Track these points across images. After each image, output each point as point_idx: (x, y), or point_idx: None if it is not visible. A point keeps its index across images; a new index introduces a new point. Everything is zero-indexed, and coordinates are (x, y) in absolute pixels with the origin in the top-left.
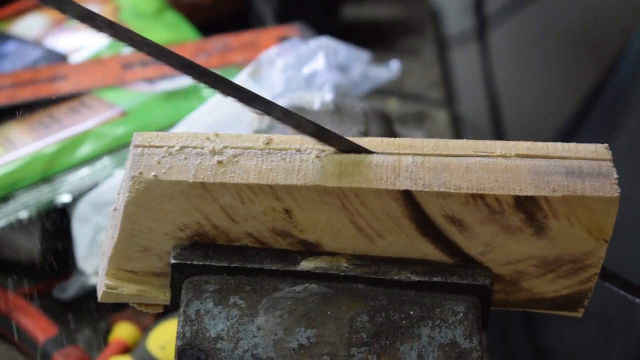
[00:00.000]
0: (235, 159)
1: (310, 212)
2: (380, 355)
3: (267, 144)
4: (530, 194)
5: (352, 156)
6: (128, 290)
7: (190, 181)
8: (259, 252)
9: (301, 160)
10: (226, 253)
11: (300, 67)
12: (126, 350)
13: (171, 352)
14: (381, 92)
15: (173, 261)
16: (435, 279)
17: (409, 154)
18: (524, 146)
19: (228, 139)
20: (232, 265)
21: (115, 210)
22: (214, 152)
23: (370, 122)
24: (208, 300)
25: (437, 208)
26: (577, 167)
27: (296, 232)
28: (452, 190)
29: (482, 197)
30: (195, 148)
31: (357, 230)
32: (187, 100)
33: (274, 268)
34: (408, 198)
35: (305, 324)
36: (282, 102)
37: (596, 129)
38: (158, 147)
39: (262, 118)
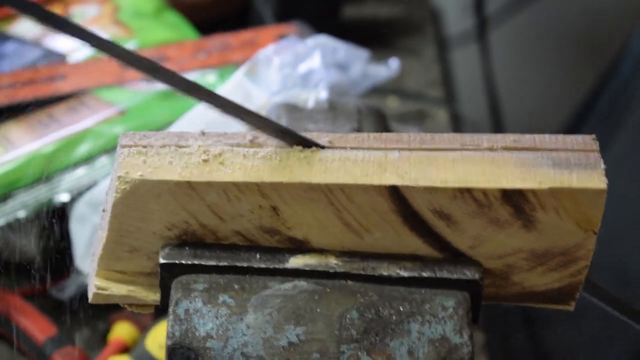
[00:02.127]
0: (221, 157)
1: (297, 208)
2: (370, 351)
3: (252, 141)
4: (517, 186)
5: (339, 152)
6: (118, 290)
7: (176, 180)
8: (248, 250)
9: (287, 157)
10: (214, 252)
11: (297, 65)
12: (125, 349)
13: None
14: (381, 90)
15: (162, 260)
16: (425, 274)
17: (395, 149)
18: (510, 138)
19: (214, 137)
20: (221, 264)
21: (103, 210)
22: (199, 151)
23: (364, 119)
24: (197, 299)
25: (424, 202)
26: (564, 159)
27: (284, 229)
28: (439, 184)
29: (468, 190)
30: (181, 147)
31: (344, 225)
32: (186, 99)
33: (262, 266)
34: (394, 193)
35: (294, 322)
36: (277, 100)
37: (596, 128)
38: (144, 147)
39: None
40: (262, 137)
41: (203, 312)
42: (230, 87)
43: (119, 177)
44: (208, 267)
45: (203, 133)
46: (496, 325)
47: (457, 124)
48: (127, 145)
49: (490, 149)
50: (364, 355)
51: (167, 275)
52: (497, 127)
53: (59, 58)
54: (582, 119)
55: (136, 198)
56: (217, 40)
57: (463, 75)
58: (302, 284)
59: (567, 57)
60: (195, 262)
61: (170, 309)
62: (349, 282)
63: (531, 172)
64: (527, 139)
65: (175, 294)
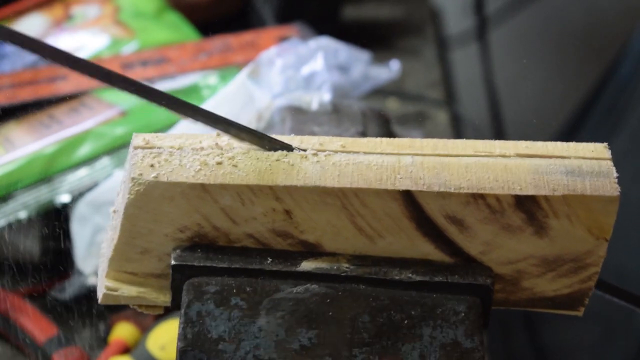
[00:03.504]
0: (235, 160)
1: (310, 212)
2: (381, 356)
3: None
4: (530, 193)
5: (352, 156)
6: (128, 291)
7: (190, 182)
8: (259, 252)
9: (300, 160)
10: (226, 254)
11: (299, 67)
12: (126, 350)
13: (171, 352)
14: (381, 92)
15: (173, 262)
16: (436, 279)
17: (408, 154)
18: (523, 145)
19: (228, 139)
20: (233, 266)
21: (114, 211)
22: (213, 153)
23: (368, 122)
24: (209, 302)
25: (437, 208)
26: (576, 166)
27: (296, 232)
28: (452, 190)
29: (482, 196)
30: (194, 149)
31: (357, 230)
32: (187, 100)
33: (274, 269)
34: (408, 198)
35: (306, 325)
36: (280, 102)
37: (596, 129)
38: (158, 148)
39: (260, 118)
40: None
41: (215, 315)
42: (232, 89)
43: (133, 178)
44: (220, 269)
45: (218, 135)
46: (497, 326)
47: (457, 125)
48: (140, 146)
49: (503, 156)
50: (375, 358)
51: (179, 277)
52: (498, 127)
53: None
54: (582, 119)
55: (149, 200)
56: (218, 42)
57: (463, 76)
58: (314, 287)
59: (567, 57)
60: (208, 264)
61: (182, 311)
62: (361, 286)
63: (544, 179)
64: (540, 146)
65: (187, 296)
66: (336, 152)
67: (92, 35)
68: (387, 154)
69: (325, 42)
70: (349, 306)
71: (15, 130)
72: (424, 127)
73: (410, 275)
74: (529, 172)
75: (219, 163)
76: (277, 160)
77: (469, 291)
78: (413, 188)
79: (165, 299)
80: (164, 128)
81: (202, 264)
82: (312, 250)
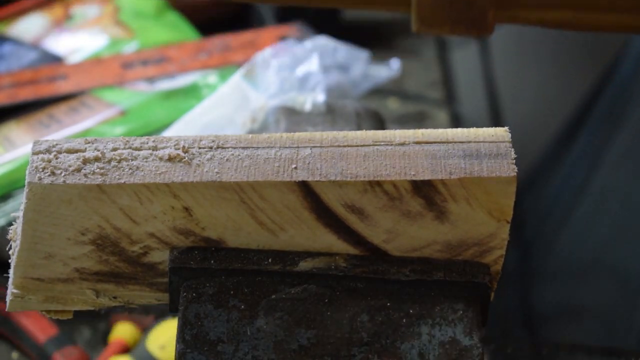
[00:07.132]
0: (132, 160)
1: (210, 208)
2: (381, 354)
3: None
4: (426, 177)
5: (248, 151)
6: (35, 297)
7: (87, 183)
8: (257, 253)
9: (197, 157)
10: (224, 255)
11: (295, 68)
12: (126, 350)
13: (171, 351)
14: (381, 92)
15: (170, 264)
16: (434, 277)
17: (307, 147)
18: (422, 133)
19: (121, 140)
20: (230, 267)
21: (16, 218)
22: (110, 154)
23: (362, 122)
24: (207, 303)
25: (335, 197)
26: (474, 150)
27: (198, 229)
28: (349, 179)
29: (378, 183)
30: (92, 151)
31: (258, 224)
32: (186, 100)
33: (272, 269)
34: (305, 189)
35: (305, 325)
36: (274, 103)
37: (596, 128)
38: (55, 153)
39: (254, 119)
40: (165, 139)
41: (214, 316)
42: (228, 90)
43: (29, 183)
44: (217, 270)
45: (124, 138)
46: (497, 326)
47: (458, 125)
48: (38, 151)
49: (402, 144)
50: (374, 358)
51: (176, 279)
52: (498, 127)
53: (55, 60)
54: (582, 119)
55: (47, 204)
56: (218, 41)
57: (463, 76)
58: (312, 287)
59: (568, 56)
60: (205, 265)
61: (180, 313)
62: (359, 285)
63: (441, 163)
64: (440, 132)
65: (185, 298)
66: (233, 147)
67: (92, 35)
68: (285, 147)
69: (323, 41)
70: (347, 305)
71: (15, 129)
72: (424, 127)
73: (408, 273)
74: (427, 158)
75: (116, 163)
76: (174, 157)
77: (466, 289)
78: (309, 179)
79: (72, 304)
80: (163, 127)
81: (199, 266)
82: (216, 247)
